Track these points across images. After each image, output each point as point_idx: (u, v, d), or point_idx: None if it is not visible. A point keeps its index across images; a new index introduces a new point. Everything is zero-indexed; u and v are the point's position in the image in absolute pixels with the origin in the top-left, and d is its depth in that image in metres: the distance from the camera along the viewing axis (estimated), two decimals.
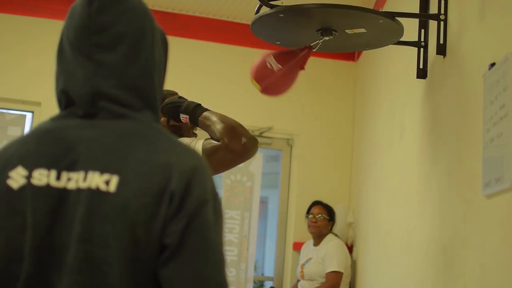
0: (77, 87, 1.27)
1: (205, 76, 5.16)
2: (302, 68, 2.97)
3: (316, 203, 4.84)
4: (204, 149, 2.24)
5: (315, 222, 4.73)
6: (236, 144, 2.21)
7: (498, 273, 2.25)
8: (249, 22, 3.00)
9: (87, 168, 1.21)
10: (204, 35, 5.21)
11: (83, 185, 1.19)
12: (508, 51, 2.22)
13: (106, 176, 1.19)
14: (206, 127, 2.30)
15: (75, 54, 1.28)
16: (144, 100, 1.28)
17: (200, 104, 2.38)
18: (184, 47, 5.14)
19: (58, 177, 1.22)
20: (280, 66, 2.88)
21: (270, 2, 2.88)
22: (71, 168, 1.22)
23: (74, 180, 1.20)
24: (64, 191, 1.20)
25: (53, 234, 1.20)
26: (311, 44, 2.98)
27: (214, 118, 2.29)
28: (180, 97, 2.47)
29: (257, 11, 3.00)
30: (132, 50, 1.27)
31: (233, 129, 2.23)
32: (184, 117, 2.38)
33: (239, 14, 5.14)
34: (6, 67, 4.90)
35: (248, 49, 5.20)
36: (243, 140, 2.22)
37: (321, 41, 2.97)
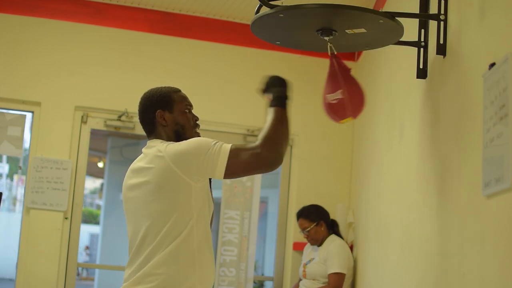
0: None
1: (205, 76, 5.16)
2: (348, 71, 3.05)
3: (298, 216, 4.73)
4: (234, 150, 2.30)
5: (307, 236, 4.69)
6: (270, 157, 2.29)
7: (498, 273, 2.25)
8: (249, 22, 3.00)
9: None
10: (204, 35, 5.21)
11: None
12: (508, 51, 2.22)
13: None
14: (269, 119, 2.41)
15: None
16: None
17: (287, 98, 2.52)
18: (184, 47, 5.14)
19: None
20: (338, 93, 2.99)
21: (270, 2, 2.88)
22: None
23: None
24: None
25: None
26: (329, 53, 3.02)
27: (278, 120, 2.42)
28: (285, 81, 2.55)
29: (257, 11, 3.00)
30: None
31: (276, 144, 2.32)
32: (268, 96, 2.50)
33: (239, 14, 5.14)
34: (6, 67, 4.91)
35: (248, 49, 5.21)
36: (278, 156, 2.30)
37: (329, 44, 2.99)
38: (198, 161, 2.30)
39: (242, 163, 2.29)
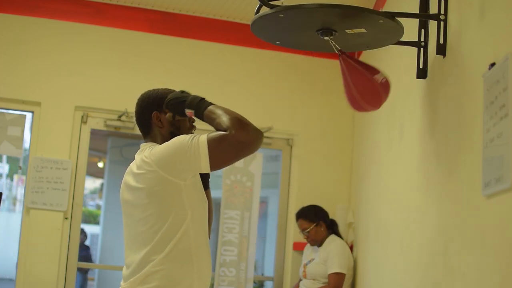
0: None
1: (205, 76, 5.16)
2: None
3: (297, 217, 4.72)
4: (209, 140, 2.26)
5: (307, 237, 4.69)
6: (243, 134, 2.23)
7: (498, 273, 2.25)
8: (249, 22, 3.00)
9: None
10: (204, 35, 5.21)
11: None
12: (508, 51, 2.22)
13: None
14: (212, 120, 2.33)
15: None
16: None
17: (204, 98, 2.40)
18: (184, 47, 5.14)
19: None
20: (381, 73, 2.99)
21: (270, 2, 2.88)
22: None
23: None
24: None
25: None
26: (337, 52, 3.01)
27: (219, 111, 2.31)
28: (183, 92, 2.48)
29: (257, 11, 3.00)
30: None
31: (239, 121, 2.25)
32: (189, 112, 2.40)
33: (239, 14, 5.14)
34: (6, 67, 4.91)
35: (248, 49, 5.21)
36: (249, 131, 2.24)
37: (332, 42, 2.98)
38: (181, 160, 2.29)
39: (222, 150, 2.25)
